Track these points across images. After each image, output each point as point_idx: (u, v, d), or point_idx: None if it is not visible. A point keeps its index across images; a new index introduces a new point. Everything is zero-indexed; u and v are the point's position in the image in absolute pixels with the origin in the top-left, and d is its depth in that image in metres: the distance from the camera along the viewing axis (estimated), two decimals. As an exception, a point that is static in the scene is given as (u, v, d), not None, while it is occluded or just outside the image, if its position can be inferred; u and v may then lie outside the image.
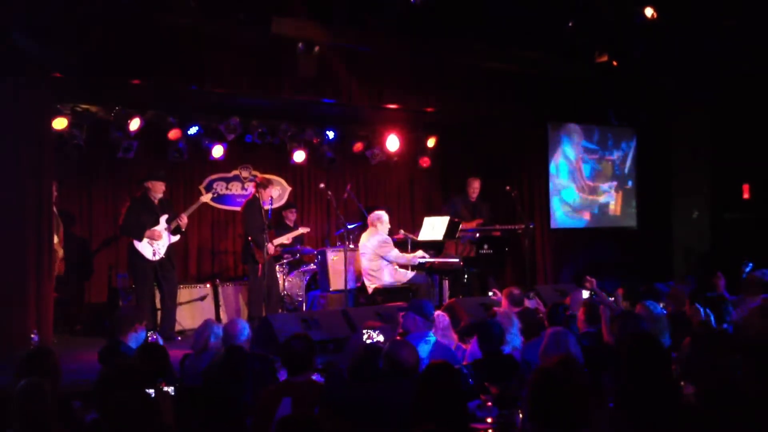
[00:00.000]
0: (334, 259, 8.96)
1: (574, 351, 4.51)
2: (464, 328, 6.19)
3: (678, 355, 4.56)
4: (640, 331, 4.75)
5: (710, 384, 3.36)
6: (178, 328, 8.36)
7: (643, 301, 5.81)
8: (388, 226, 8.64)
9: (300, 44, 8.16)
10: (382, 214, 8.62)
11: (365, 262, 8.45)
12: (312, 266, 9.56)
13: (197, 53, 8.04)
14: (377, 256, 8.37)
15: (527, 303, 7.23)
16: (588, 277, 6.74)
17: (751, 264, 8.29)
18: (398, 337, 5.09)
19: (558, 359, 3.40)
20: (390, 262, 8.39)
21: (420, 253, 8.66)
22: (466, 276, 9.17)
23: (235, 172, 10.58)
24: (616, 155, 11.98)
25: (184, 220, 8.38)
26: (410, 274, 8.52)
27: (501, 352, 5.07)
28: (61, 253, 8.34)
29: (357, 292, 8.77)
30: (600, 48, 9.60)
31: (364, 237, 8.59)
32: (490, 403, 4.14)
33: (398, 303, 7.64)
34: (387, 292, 8.31)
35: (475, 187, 10.16)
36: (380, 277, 8.38)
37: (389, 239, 8.51)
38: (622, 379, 3.51)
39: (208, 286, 9.43)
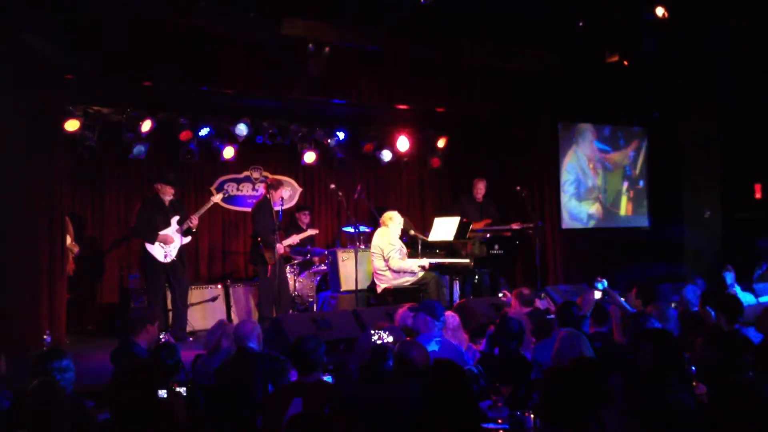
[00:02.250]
0: (345, 259, 8.96)
1: (588, 352, 4.50)
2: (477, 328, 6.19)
3: (690, 356, 4.53)
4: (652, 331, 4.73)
5: (722, 384, 3.34)
6: (189, 328, 8.40)
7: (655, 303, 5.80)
8: (401, 226, 8.61)
9: (310, 44, 8.16)
10: (395, 214, 8.59)
11: (376, 262, 8.44)
12: (323, 267, 9.57)
13: (207, 54, 8.07)
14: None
15: (538, 303, 7.22)
16: (599, 278, 6.72)
17: (765, 264, 8.27)
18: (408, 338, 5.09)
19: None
20: (387, 264, 8.32)
21: (423, 261, 8.57)
22: (476, 276, 9.15)
23: (246, 173, 10.61)
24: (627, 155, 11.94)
25: (194, 221, 8.41)
26: (420, 274, 8.51)
27: (518, 351, 5.05)
28: (76, 250, 8.40)
29: (367, 293, 8.77)
30: (610, 47, 9.56)
31: (375, 236, 8.58)
32: (501, 404, 4.13)
33: (408, 304, 7.62)
34: (397, 293, 8.29)
35: (479, 187, 10.13)
36: (390, 277, 8.37)
37: (396, 243, 8.46)
38: (633, 379, 3.50)
39: (219, 287, 9.47)
